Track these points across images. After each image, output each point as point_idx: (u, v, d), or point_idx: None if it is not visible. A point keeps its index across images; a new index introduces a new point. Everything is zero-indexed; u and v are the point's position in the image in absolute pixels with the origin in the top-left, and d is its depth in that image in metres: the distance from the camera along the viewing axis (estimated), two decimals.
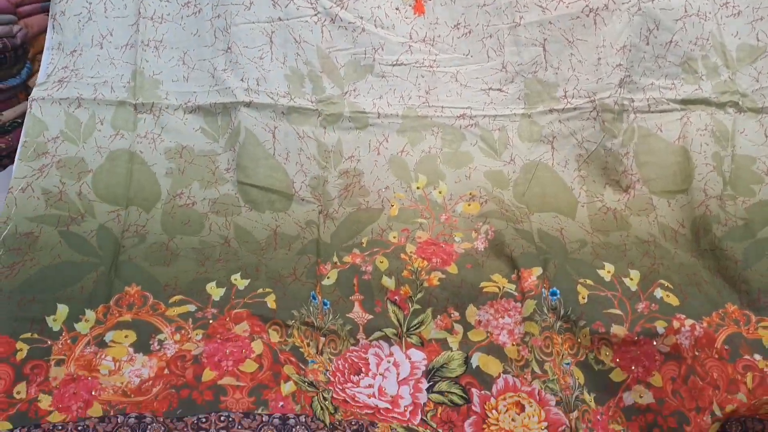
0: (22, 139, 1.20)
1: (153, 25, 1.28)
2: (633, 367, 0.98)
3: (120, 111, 1.24)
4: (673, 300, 1.06)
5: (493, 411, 0.94)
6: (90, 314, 1.00)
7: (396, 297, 1.09)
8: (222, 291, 1.05)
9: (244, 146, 1.24)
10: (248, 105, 1.25)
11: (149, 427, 0.85)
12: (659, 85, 1.29)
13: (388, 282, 1.10)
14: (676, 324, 0.99)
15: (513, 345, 1.02)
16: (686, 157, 1.25)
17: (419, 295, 1.09)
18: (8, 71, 1.35)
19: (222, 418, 0.86)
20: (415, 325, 1.06)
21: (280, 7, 1.29)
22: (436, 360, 1.01)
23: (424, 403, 0.96)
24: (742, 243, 1.13)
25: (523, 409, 0.94)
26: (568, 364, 1.01)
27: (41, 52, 1.30)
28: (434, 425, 0.94)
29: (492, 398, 0.96)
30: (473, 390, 0.97)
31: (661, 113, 1.28)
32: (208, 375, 0.92)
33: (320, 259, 1.14)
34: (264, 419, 0.87)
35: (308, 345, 1.01)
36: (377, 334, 1.05)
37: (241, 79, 1.26)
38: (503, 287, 1.09)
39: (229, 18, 1.27)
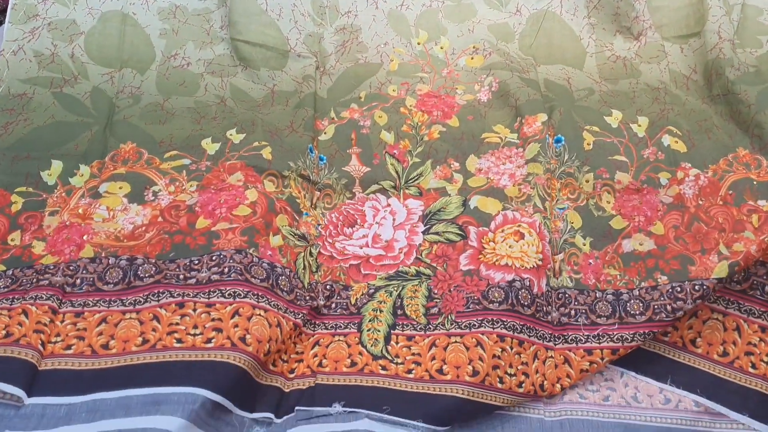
0: (11, 1, 1.17)
1: None
2: (635, 215, 0.96)
3: None
4: (680, 146, 1.02)
5: (491, 243, 0.92)
6: (84, 169, 1.00)
7: (395, 151, 1.06)
8: (217, 146, 1.03)
9: (237, 2, 1.19)
10: None
11: (140, 268, 0.86)
12: None
13: (387, 136, 1.07)
14: (680, 174, 0.97)
15: (514, 185, 0.99)
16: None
17: (419, 149, 1.06)
18: None
19: (214, 258, 0.87)
20: (413, 177, 1.03)
21: None
22: (434, 205, 0.99)
23: (419, 244, 0.95)
24: (756, 87, 1.08)
25: (522, 237, 0.92)
26: (561, 209, 0.98)
27: None
28: (428, 261, 0.93)
29: (490, 233, 0.93)
30: (470, 228, 0.95)
31: None
32: (202, 223, 0.91)
33: (317, 114, 1.11)
34: (254, 260, 0.87)
35: (304, 197, 1.00)
36: (374, 187, 1.02)
37: None
38: (505, 137, 1.06)
39: None
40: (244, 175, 0.98)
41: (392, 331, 0.86)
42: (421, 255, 0.94)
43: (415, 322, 0.87)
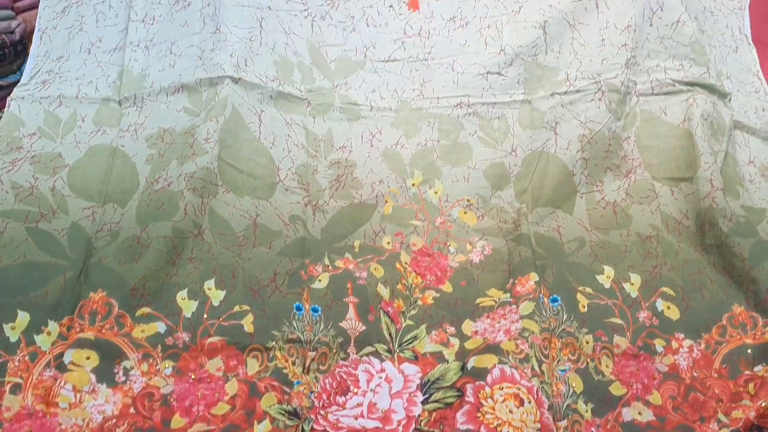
0: None
1: (144, 26, 1.25)
2: (632, 382, 0.93)
3: (104, 108, 1.20)
4: (673, 312, 1.00)
5: (488, 399, 0.88)
6: (53, 326, 0.92)
7: (389, 309, 1.02)
8: (194, 305, 0.98)
9: (228, 122, 1.16)
10: (236, 81, 1.19)
11: None
12: (665, 67, 1.22)
13: (383, 291, 1.04)
14: (674, 344, 0.97)
15: (510, 340, 0.95)
16: (691, 141, 1.16)
17: (413, 312, 1.02)
18: (8, 67, 1.34)
19: None
20: (408, 340, 0.99)
21: None
22: (432, 373, 0.95)
23: (419, 415, 0.90)
24: (748, 239, 1.05)
25: (522, 403, 0.87)
26: (563, 371, 0.94)
27: None
28: (425, 429, 0.88)
29: (486, 387, 0.89)
30: (467, 385, 0.91)
31: (666, 95, 1.21)
32: (177, 422, 0.87)
33: (309, 260, 1.07)
34: None
35: (293, 364, 0.95)
36: (368, 349, 0.98)
37: (231, 55, 1.20)
38: (499, 299, 1.03)
39: (218, 2, 1.23)
40: (225, 359, 0.93)
41: None
42: (420, 425, 0.89)
43: None
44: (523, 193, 1.18)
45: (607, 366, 0.94)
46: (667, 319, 1.00)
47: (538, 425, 0.85)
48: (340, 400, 0.91)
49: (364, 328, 0.99)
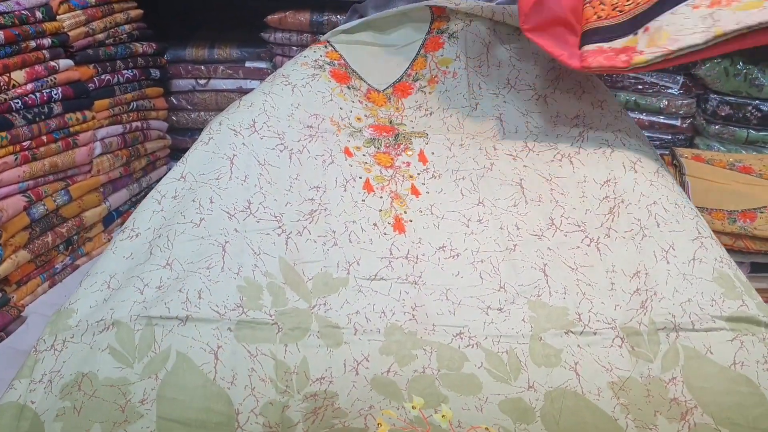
0: None
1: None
2: None
3: (26, 361, 0.96)
4: None
5: None
6: None
7: None
8: None
9: (172, 374, 0.92)
10: (184, 322, 0.97)
11: None
12: (697, 301, 1.03)
13: None
14: None
15: None
16: (753, 388, 0.93)
17: None
18: None
19: None
20: None
21: (237, 219, 1.12)
22: None
23: None
24: None
25: None
26: None
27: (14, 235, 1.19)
28: None
29: None
30: None
31: (707, 332, 1.00)
32: None
33: None
34: None
35: None
36: None
37: (179, 290, 1.01)
38: None
39: (172, 235, 1.09)
40: None
41: None
42: None
43: None
44: (556, 424, 0.92)
45: None
46: None
47: None
48: None
49: None
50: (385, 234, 1.17)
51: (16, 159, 1.43)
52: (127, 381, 0.92)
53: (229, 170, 1.20)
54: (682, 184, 1.62)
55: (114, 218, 1.81)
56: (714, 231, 1.19)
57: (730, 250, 1.51)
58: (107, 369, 0.93)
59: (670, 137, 2.09)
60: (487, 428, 0.90)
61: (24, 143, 1.45)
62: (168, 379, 0.91)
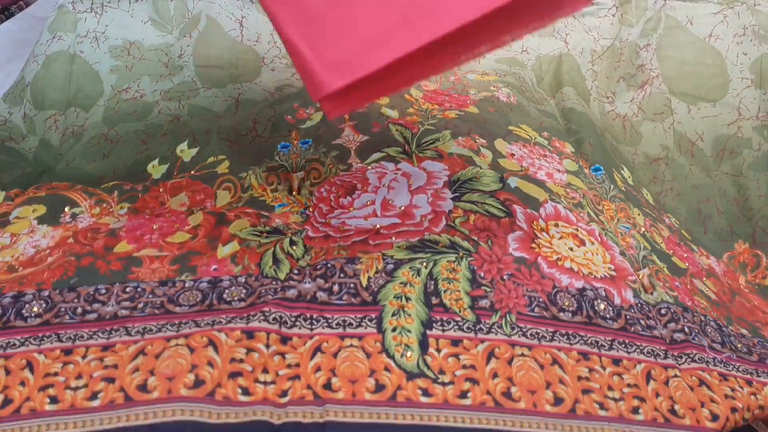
0: None
1: None
2: (687, 265, 0.77)
3: (60, 15, 1.05)
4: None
5: (543, 233, 0.66)
6: None
7: (401, 122, 0.82)
8: (164, 168, 0.81)
9: (204, 34, 1.04)
10: None
11: (26, 306, 0.60)
12: None
13: (390, 112, 0.84)
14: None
15: (556, 185, 0.75)
16: (719, 60, 1.03)
17: (433, 122, 0.82)
18: None
19: (127, 289, 0.61)
20: (428, 141, 0.78)
21: None
22: (462, 173, 0.72)
23: (450, 210, 0.67)
24: (766, 173, 0.93)
25: (583, 243, 0.67)
26: (627, 228, 0.76)
27: None
28: (466, 231, 0.65)
29: (540, 219, 0.68)
30: (515, 206, 0.68)
31: (694, 2, 1.07)
32: (122, 247, 0.67)
33: (298, 104, 0.89)
34: (186, 285, 0.61)
35: (274, 191, 0.74)
36: (376, 155, 0.75)
37: None
38: (534, 138, 0.84)
39: None
40: (190, 195, 0.74)
41: (428, 332, 0.57)
42: (453, 222, 0.66)
43: (459, 318, 0.58)
44: (541, 80, 1.07)
45: (661, 241, 0.78)
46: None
47: (611, 266, 0.65)
48: (345, 201, 0.70)
49: (366, 138, 0.78)
50: None
51: None
52: (168, 44, 1.04)
53: None
54: None
55: None
56: None
57: None
58: (151, 39, 1.04)
59: None
60: (484, 71, 1.04)
61: None
62: (200, 38, 1.04)
